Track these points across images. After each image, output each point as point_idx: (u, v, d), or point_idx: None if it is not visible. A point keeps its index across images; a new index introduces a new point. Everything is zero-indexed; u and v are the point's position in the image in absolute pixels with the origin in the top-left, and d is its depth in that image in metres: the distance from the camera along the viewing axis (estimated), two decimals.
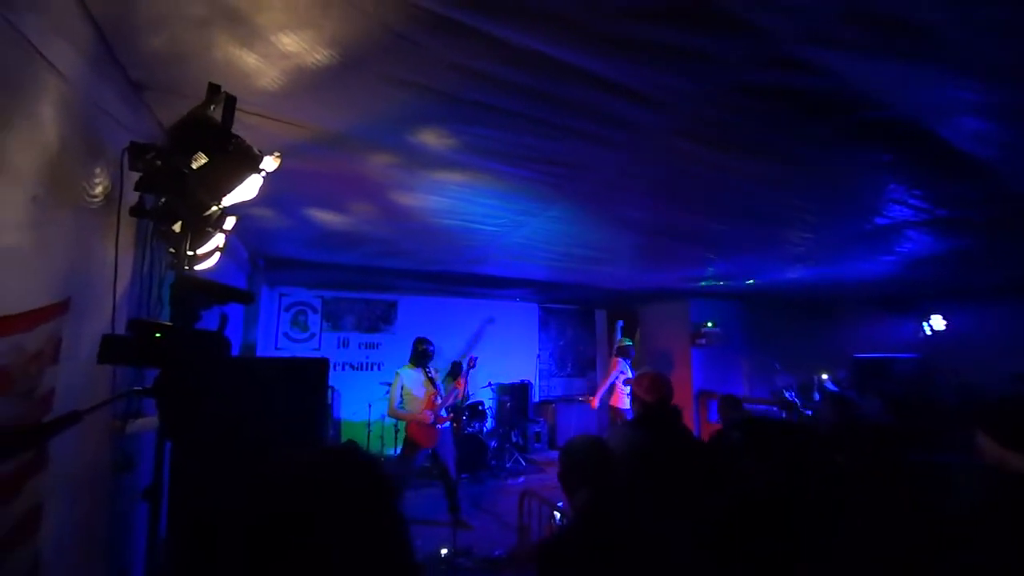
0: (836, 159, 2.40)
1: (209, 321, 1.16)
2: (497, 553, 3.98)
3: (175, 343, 0.98)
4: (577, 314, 9.39)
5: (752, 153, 2.31)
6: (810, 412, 5.32)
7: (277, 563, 0.56)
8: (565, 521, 3.19)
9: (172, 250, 1.90)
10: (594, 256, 4.51)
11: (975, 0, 1.33)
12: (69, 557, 1.41)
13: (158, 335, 0.96)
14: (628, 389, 5.43)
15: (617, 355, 6.24)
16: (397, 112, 1.96)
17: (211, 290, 1.13)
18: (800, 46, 1.55)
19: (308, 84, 1.77)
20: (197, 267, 2.03)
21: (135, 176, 1.58)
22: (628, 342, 6.42)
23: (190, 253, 1.81)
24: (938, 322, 6.50)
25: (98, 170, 1.57)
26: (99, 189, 1.58)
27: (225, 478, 1.08)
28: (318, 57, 1.61)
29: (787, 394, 5.13)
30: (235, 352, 3.62)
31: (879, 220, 3.32)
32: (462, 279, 5.84)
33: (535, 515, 3.45)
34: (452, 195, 2.91)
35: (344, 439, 6.50)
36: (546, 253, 4.44)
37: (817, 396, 5.74)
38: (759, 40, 1.53)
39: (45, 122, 1.27)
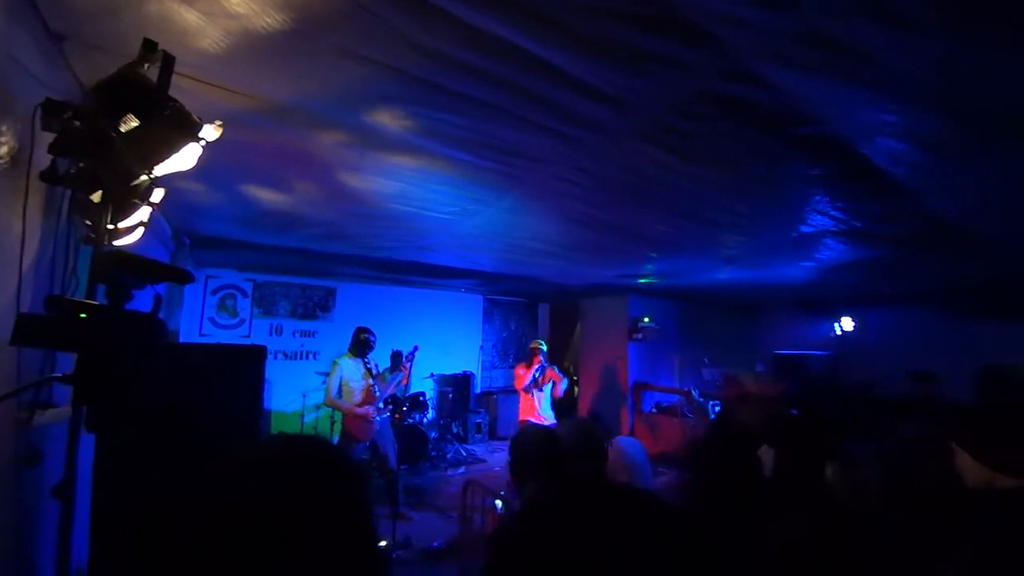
0: (775, 170, 2.56)
1: (140, 302, 1.05)
2: (436, 544, 3.96)
3: (103, 325, 0.87)
4: (521, 306, 9.48)
5: (703, 159, 2.42)
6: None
7: (245, 563, 0.51)
8: (510, 510, 3.22)
9: (89, 222, 1.70)
10: (543, 249, 4.55)
11: (914, 32, 1.45)
12: None
13: (83, 315, 0.85)
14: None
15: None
16: (352, 88, 1.86)
17: (143, 267, 1.02)
18: (756, 61, 1.63)
19: (255, 49, 1.63)
20: (117, 242, 1.83)
21: (48, 138, 1.39)
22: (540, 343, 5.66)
23: (110, 227, 1.63)
24: (847, 323, 7.22)
25: (4, 128, 1.37)
26: (4, 149, 1.38)
27: (163, 472, 0.99)
28: (269, 20, 1.49)
29: (694, 393, 5.47)
30: None
31: (804, 228, 3.60)
32: (408, 267, 5.70)
33: (478, 505, 3.46)
34: (404, 179, 2.82)
35: (276, 431, 6.19)
36: (496, 243, 4.43)
37: None
38: (720, 52, 1.59)
39: None
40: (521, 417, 5.47)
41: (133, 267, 1.00)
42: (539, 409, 5.30)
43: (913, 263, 4.52)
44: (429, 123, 2.12)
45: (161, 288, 1.11)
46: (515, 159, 2.50)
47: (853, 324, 7.19)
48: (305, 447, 0.64)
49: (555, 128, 2.15)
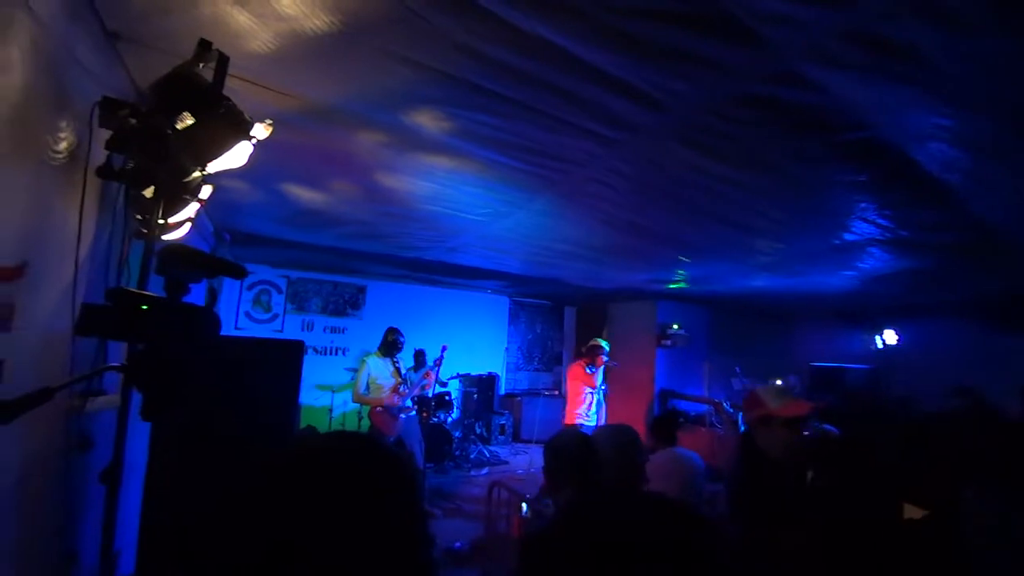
0: (818, 175, 2.47)
1: (194, 296, 1.08)
2: (458, 545, 3.97)
3: (161, 317, 0.90)
4: (547, 309, 9.45)
5: (743, 163, 2.36)
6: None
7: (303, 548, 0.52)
8: (541, 516, 3.20)
9: (140, 217, 1.77)
10: (572, 252, 4.52)
11: (967, 31, 1.38)
12: (8, 536, 1.30)
13: (144, 307, 0.88)
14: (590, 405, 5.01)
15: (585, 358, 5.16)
16: (394, 90, 1.89)
17: (201, 261, 1.05)
18: (801, 62, 1.58)
19: (303, 51, 1.67)
20: (165, 237, 1.90)
21: (105, 135, 1.45)
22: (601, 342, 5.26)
23: (161, 221, 1.69)
24: (890, 336, 6.90)
25: (64, 124, 1.43)
26: (64, 145, 1.44)
27: (213, 461, 1.01)
28: (317, 23, 1.53)
29: (725, 404, 5.29)
30: None
31: (847, 236, 3.47)
32: (436, 267, 5.75)
33: (503, 506, 3.45)
34: (439, 180, 2.84)
35: (304, 425, 6.33)
36: (525, 246, 4.42)
37: None
38: (764, 52, 1.55)
39: (10, 65, 1.15)
40: (569, 420, 5.02)
41: (191, 261, 1.03)
42: (591, 411, 4.95)
43: (960, 273, 4.32)
44: (467, 124, 2.13)
45: (214, 283, 1.14)
46: (550, 161, 2.49)
47: (897, 337, 6.86)
48: (360, 447, 0.64)
49: (592, 130, 2.13)
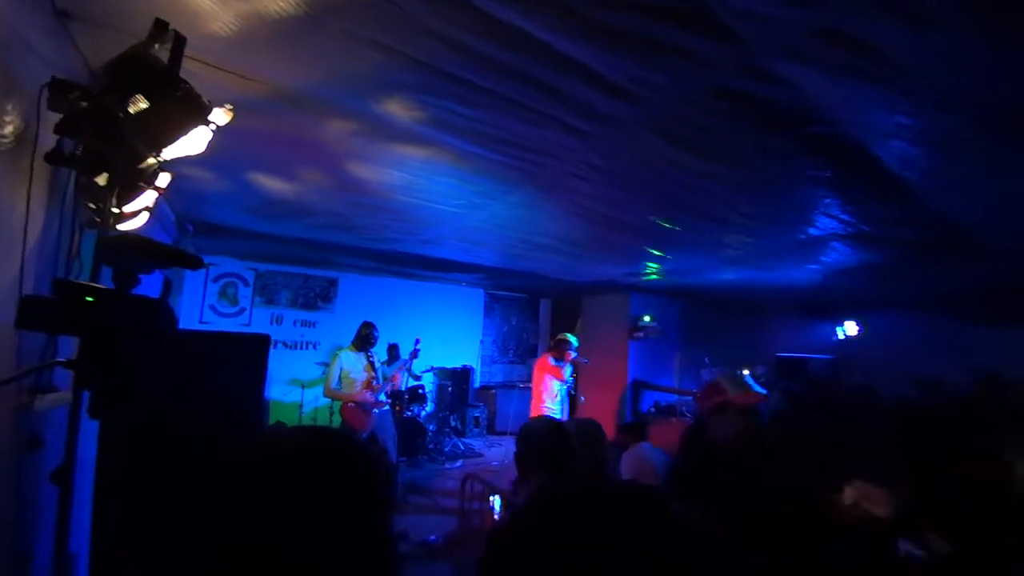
0: (785, 170, 2.53)
1: (148, 287, 1.03)
2: (433, 538, 3.96)
3: (109, 310, 0.85)
4: (522, 302, 9.47)
5: (716, 157, 2.39)
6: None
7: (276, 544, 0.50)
8: (511, 506, 3.21)
9: (94, 206, 1.68)
10: (548, 244, 4.53)
11: (934, 28, 1.42)
12: None
13: (89, 299, 0.83)
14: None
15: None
16: (364, 76, 1.83)
17: (152, 251, 0.99)
18: (775, 57, 1.60)
19: (267, 33, 1.61)
20: (121, 227, 1.81)
21: (54, 118, 1.37)
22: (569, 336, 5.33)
23: (115, 210, 1.61)
24: (851, 327, 7.19)
25: (10, 107, 1.34)
26: (9, 129, 1.35)
27: (167, 460, 0.97)
28: (282, 4, 1.46)
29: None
30: None
31: (812, 230, 3.57)
32: (411, 260, 5.68)
33: (476, 499, 3.45)
34: (412, 171, 2.79)
35: (273, 421, 6.19)
36: (501, 238, 4.40)
37: None
38: (738, 47, 1.56)
39: None
40: (534, 415, 4.96)
41: (141, 250, 0.98)
42: (555, 404, 5.02)
43: (919, 268, 4.50)
44: (441, 114, 2.09)
45: (170, 274, 1.09)
46: (527, 153, 2.47)
47: (857, 328, 7.17)
48: (325, 441, 0.62)
49: (569, 122, 2.12)
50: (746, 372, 6.21)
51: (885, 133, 2.10)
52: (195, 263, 1.09)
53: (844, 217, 3.22)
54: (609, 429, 6.90)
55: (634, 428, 3.51)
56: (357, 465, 0.59)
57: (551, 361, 5.13)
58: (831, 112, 1.95)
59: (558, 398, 5.08)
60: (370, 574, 0.56)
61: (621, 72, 1.73)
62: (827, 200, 2.97)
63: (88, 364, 0.84)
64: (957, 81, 1.68)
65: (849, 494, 1.90)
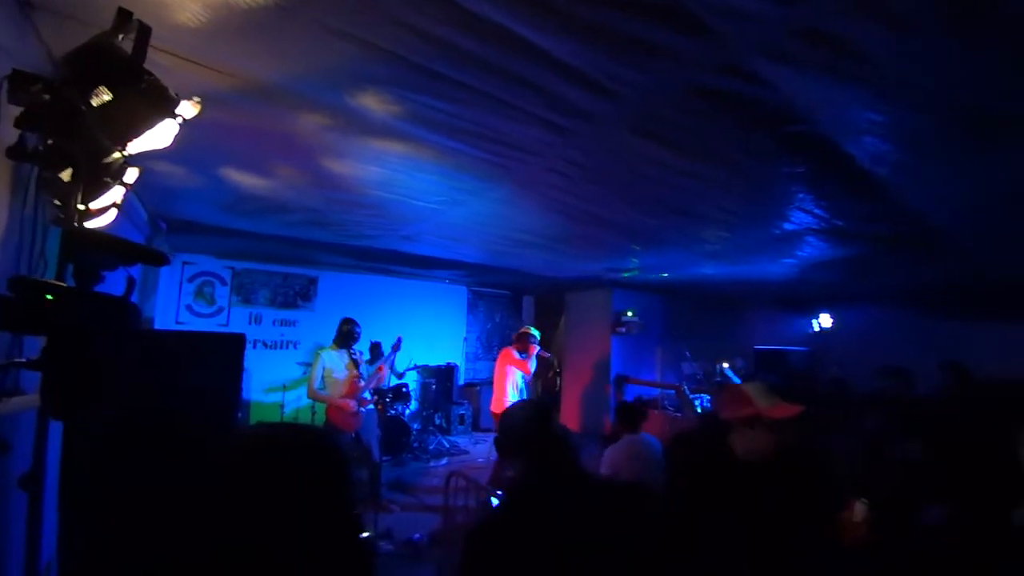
0: (761, 166, 2.57)
1: (112, 285, 1.00)
2: (417, 536, 3.95)
3: (70, 308, 0.82)
4: (506, 299, 9.46)
5: (693, 153, 2.42)
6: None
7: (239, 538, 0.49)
8: (492, 502, 3.21)
9: (58, 202, 1.62)
10: (530, 241, 4.53)
11: (909, 30, 1.45)
12: None
13: (49, 297, 0.80)
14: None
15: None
16: (338, 69, 1.80)
17: (114, 247, 0.96)
18: (752, 55, 1.62)
19: (236, 25, 1.57)
20: (88, 224, 1.75)
21: (15, 111, 1.32)
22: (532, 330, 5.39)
23: (81, 207, 1.55)
24: (826, 320, 7.37)
25: None
26: None
27: (135, 464, 0.94)
28: None
29: (685, 388, 5.55)
30: None
31: (787, 225, 3.64)
32: (391, 257, 5.63)
33: (460, 496, 3.45)
34: (390, 166, 2.76)
35: (254, 422, 6.09)
36: (482, 235, 4.39)
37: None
38: (717, 45, 1.58)
39: None
40: (496, 408, 5.19)
41: (103, 247, 0.94)
42: (520, 395, 5.12)
43: (891, 262, 4.63)
44: (417, 108, 2.07)
45: (135, 270, 1.06)
46: (505, 149, 2.47)
47: (831, 321, 7.36)
48: (285, 437, 0.61)
49: (548, 118, 2.12)
50: (726, 365, 6.34)
51: (858, 129, 2.14)
52: (159, 259, 1.05)
53: (818, 212, 3.29)
54: (595, 425, 6.95)
55: (627, 416, 3.51)
56: (323, 462, 0.58)
57: (515, 354, 5.18)
58: (806, 110, 1.98)
59: (521, 390, 5.13)
60: (341, 572, 0.55)
61: (599, 69, 1.73)
62: (802, 196, 3.03)
63: (49, 364, 0.82)
64: (928, 82, 1.72)
65: (859, 511, 1.86)
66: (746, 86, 1.79)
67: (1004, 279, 4.99)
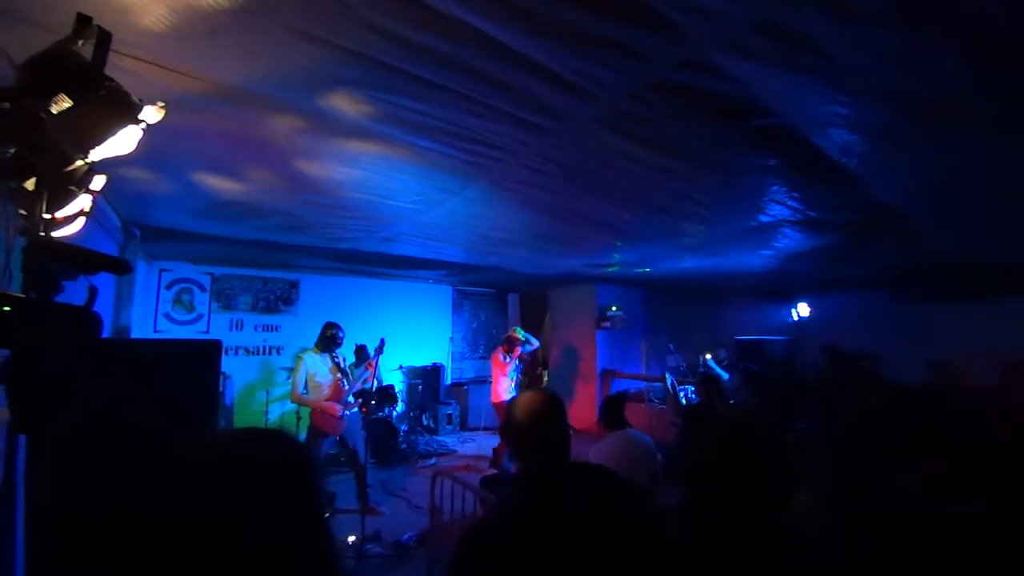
0: (733, 160, 2.62)
1: (74, 295, 0.98)
2: (406, 537, 3.94)
3: (29, 319, 0.81)
4: (491, 297, 9.47)
5: (665, 149, 2.45)
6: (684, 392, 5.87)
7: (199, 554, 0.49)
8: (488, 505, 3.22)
9: (23, 212, 1.59)
10: (511, 239, 4.55)
11: (861, 22, 1.49)
12: None
13: (6, 308, 0.79)
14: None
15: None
16: (307, 71, 1.79)
17: (75, 256, 0.94)
18: (714, 51, 1.65)
19: (202, 28, 1.55)
20: (56, 233, 1.72)
21: None
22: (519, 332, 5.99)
23: (47, 216, 1.52)
24: (804, 309, 7.53)
25: None
26: None
27: (103, 478, 0.93)
28: None
29: (669, 378, 5.64)
30: (105, 333, 3.16)
31: (762, 217, 3.71)
32: (373, 258, 5.60)
33: (447, 496, 3.45)
34: (365, 167, 2.75)
35: (236, 427, 6.01)
36: (463, 234, 4.39)
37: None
38: (679, 41, 1.60)
39: None
40: (495, 399, 5.66)
41: (62, 256, 0.93)
42: (511, 392, 5.53)
43: (862, 250, 4.74)
44: (390, 109, 2.07)
45: (99, 279, 1.04)
46: (480, 147, 2.47)
47: (809, 310, 7.52)
48: (261, 440, 0.61)
49: (520, 116, 2.13)
50: (709, 356, 6.43)
51: (824, 122, 2.20)
52: (121, 268, 1.04)
53: (791, 204, 3.36)
54: (584, 419, 7.00)
55: (610, 413, 3.53)
56: (288, 466, 0.58)
57: (501, 357, 5.69)
58: (773, 103, 2.03)
59: (512, 387, 5.67)
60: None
61: (566, 66, 1.75)
62: (775, 188, 3.09)
63: (9, 377, 0.81)
64: (883, 73, 1.77)
65: None
66: (712, 81, 1.83)
67: (964, 261, 5.16)
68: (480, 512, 3.28)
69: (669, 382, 5.68)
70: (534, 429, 1.33)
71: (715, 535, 1.16)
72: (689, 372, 6.74)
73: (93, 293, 0.93)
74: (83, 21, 1.29)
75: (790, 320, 7.78)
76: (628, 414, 3.41)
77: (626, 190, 3.11)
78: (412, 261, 5.79)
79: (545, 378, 8.40)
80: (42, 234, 1.26)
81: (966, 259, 5.00)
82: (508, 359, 5.66)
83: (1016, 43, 1.57)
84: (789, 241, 4.40)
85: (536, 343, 5.90)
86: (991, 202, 3.22)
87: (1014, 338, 4.67)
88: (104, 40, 1.24)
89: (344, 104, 2.03)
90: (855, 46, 1.62)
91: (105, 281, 3.64)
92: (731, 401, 4.35)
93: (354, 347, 5.91)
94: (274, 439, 0.63)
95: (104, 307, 3.97)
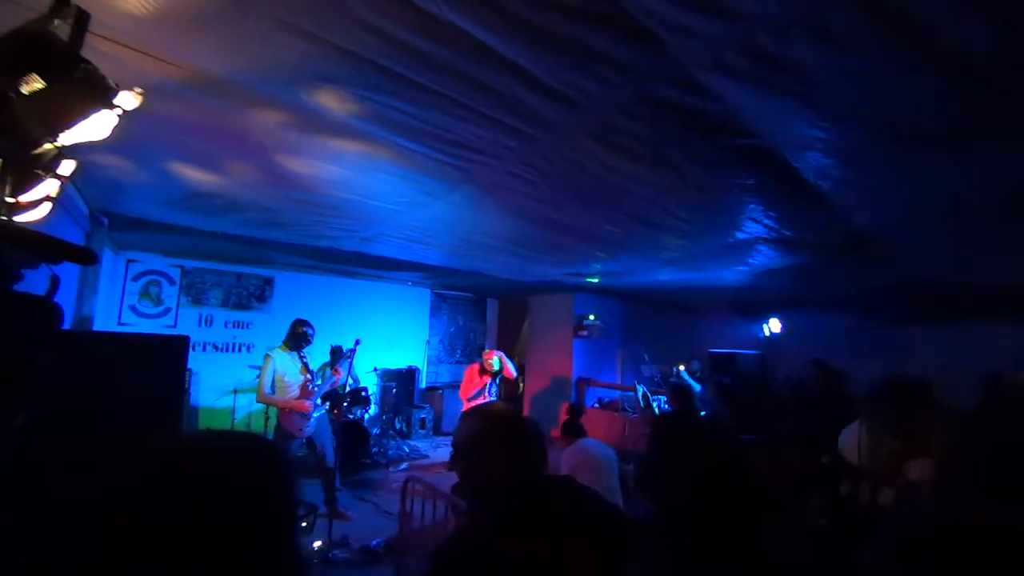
0: (715, 177, 2.67)
1: (35, 284, 0.94)
2: (375, 543, 3.87)
3: None
4: (470, 302, 9.43)
5: (650, 163, 2.49)
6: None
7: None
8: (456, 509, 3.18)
9: None
10: (493, 245, 4.54)
11: (844, 49, 1.54)
12: None
13: None
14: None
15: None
16: (294, 65, 1.76)
17: (38, 244, 0.90)
18: (700, 70, 1.69)
19: (187, 15, 1.51)
20: (19, 218, 1.64)
21: None
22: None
23: (10, 200, 1.45)
24: (775, 324, 7.72)
25: None
26: None
27: (62, 474, 0.88)
28: None
29: (640, 389, 5.72)
30: (66, 325, 3.02)
31: (739, 234, 3.80)
32: (352, 258, 5.51)
33: (418, 502, 3.40)
34: (348, 166, 2.71)
35: (203, 428, 5.82)
36: (445, 238, 4.37)
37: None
38: (667, 58, 1.63)
39: None
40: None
41: (23, 242, 0.88)
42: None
43: (835, 270, 4.89)
44: (377, 109, 2.05)
45: (62, 268, 0.99)
46: (466, 152, 2.46)
47: (781, 326, 7.72)
48: (233, 443, 0.59)
49: (508, 123, 2.14)
50: (682, 367, 6.52)
51: (802, 145, 2.26)
52: (87, 258, 1.00)
53: (767, 222, 3.45)
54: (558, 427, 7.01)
55: (568, 427, 3.60)
56: (259, 469, 0.56)
57: (476, 374, 5.66)
58: (754, 124, 2.08)
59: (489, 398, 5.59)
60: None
61: (556, 76, 1.76)
62: (752, 206, 3.17)
63: None
64: (862, 99, 1.84)
65: None
66: (696, 99, 1.86)
67: (936, 283, 5.36)
68: (452, 520, 3.25)
69: (640, 393, 5.75)
70: (511, 435, 1.30)
71: (688, 557, 1.17)
72: (663, 383, 6.83)
73: (55, 283, 0.89)
74: (61, 0, 1.24)
75: (761, 335, 7.96)
76: (603, 423, 3.44)
77: (610, 201, 3.14)
78: (391, 262, 5.72)
79: (521, 385, 8.39)
80: (3, 218, 1.19)
81: (939, 282, 5.19)
82: (479, 379, 5.65)
83: (995, 75, 1.64)
84: (764, 258, 4.51)
85: (513, 372, 5.79)
86: (966, 226, 3.33)
87: (987, 361, 4.83)
88: (82, 21, 1.20)
89: (331, 101, 2.00)
90: (837, 72, 1.67)
91: (69, 270, 3.49)
92: (703, 412, 4.42)
93: (330, 348, 5.80)
94: (254, 447, 0.60)
95: (66, 297, 3.80)
